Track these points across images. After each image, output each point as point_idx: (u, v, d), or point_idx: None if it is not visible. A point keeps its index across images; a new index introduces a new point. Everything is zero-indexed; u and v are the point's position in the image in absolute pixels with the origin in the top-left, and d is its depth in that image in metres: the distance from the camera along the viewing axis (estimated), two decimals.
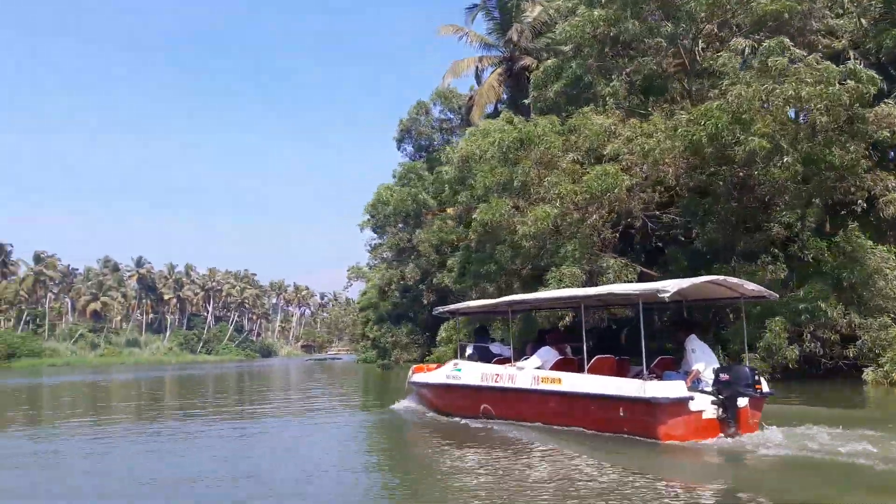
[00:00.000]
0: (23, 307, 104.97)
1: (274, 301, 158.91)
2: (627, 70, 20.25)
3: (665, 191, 18.61)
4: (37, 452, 11.01)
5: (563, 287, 16.53)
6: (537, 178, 18.78)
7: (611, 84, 19.80)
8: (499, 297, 16.12)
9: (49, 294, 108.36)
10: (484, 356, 13.06)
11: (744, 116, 16.19)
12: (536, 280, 19.35)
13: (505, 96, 31.95)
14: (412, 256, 32.09)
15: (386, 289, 32.47)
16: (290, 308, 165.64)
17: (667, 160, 17.35)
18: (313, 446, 10.97)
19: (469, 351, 13.67)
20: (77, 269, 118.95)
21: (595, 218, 17.87)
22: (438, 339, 27.61)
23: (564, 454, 8.82)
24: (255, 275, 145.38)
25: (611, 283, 16.52)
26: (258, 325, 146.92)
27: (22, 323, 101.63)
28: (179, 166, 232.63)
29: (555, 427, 10.42)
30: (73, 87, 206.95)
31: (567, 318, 17.47)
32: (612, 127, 18.66)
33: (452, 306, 14.73)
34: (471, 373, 12.39)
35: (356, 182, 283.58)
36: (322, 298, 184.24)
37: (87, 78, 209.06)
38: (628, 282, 17.26)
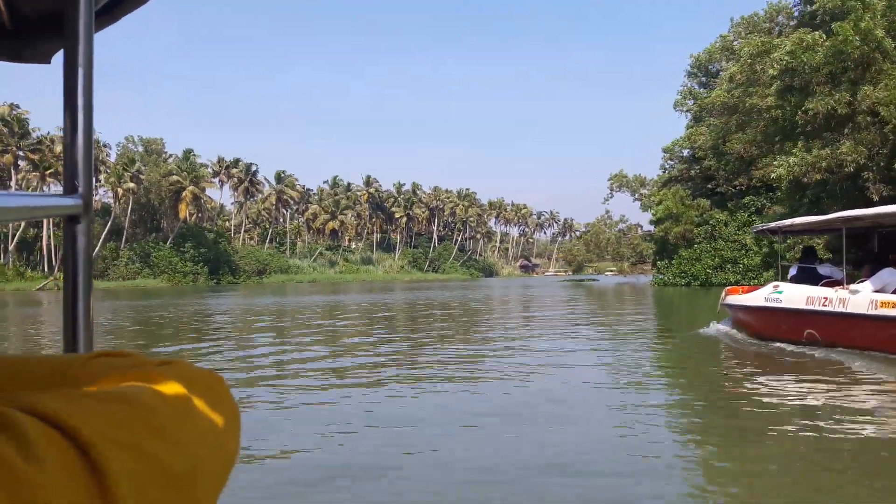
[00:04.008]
0: (266, 226, 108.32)
1: (493, 221, 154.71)
2: None
3: None
4: None
5: None
6: None
7: None
8: None
9: (286, 213, 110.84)
10: (809, 278, 12.09)
11: None
12: None
13: None
14: (847, 129, 21.31)
15: (805, 178, 22.16)
16: (508, 227, 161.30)
17: None
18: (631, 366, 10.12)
19: (792, 272, 12.77)
20: (311, 189, 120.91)
21: None
22: None
23: None
24: (475, 193, 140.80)
25: None
26: (480, 244, 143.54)
27: (267, 241, 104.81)
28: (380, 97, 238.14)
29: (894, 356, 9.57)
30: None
31: None
32: None
33: (773, 224, 14.19)
34: (794, 296, 11.73)
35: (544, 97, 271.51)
36: (539, 217, 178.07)
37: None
38: None
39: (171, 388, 0.42)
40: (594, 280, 76.22)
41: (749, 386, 8.64)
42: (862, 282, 10.82)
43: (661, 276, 43.95)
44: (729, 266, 39.67)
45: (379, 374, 9.74)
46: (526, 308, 26.78)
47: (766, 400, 7.60)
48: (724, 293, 14.63)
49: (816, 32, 21.00)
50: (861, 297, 10.30)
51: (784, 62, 20.96)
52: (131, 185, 77.97)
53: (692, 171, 43.08)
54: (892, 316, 9.71)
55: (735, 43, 42.73)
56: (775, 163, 22.53)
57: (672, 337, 14.93)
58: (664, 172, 48.58)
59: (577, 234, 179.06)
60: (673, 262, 41.88)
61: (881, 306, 9.89)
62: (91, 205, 0.62)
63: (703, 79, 44.96)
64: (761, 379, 9.03)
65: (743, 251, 39.41)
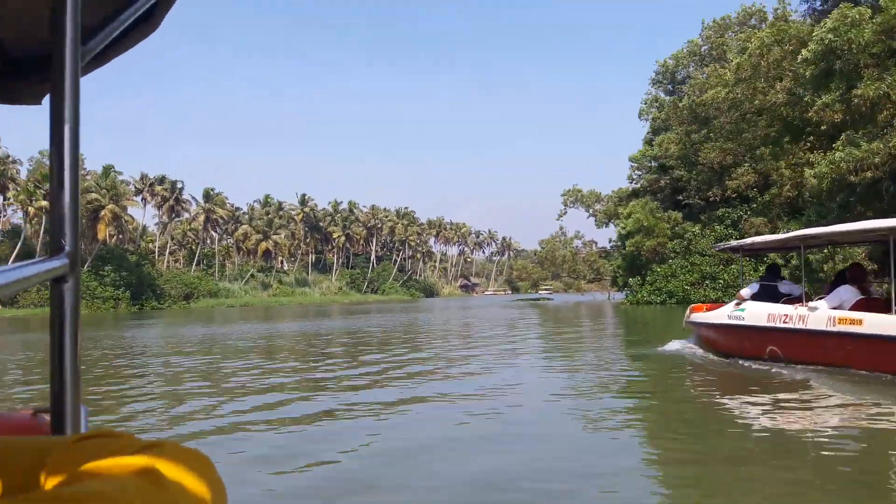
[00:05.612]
0: (193, 247, 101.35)
1: (432, 241, 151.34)
2: None
3: None
4: None
5: None
6: None
7: None
8: None
9: (214, 233, 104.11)
10: (770, 295, 12.24)
11: None
12: None
13: None
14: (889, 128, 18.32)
15: (852, 177, 19.13)
16: (448, 247, 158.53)
17: None
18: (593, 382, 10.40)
19: (754, 289, 12.78)
20: (240, 209, 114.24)
21: None
22: None
23: (862, 401, 8.12)
24: (413, 212, 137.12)
25: None
26: (419, 263, 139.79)
27: (194, 263, 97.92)
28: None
29: (854, 371, 9.73)
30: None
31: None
32: None
33: (735, 242, 14.64)
34: (755, 313, 11.89)
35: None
36: (478, 236, 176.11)
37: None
38: None
39: (156, 475, 0.40)
40: (549, 299, 73.21)
41: (711, 404, 8.66)
42: (821, 299, 10.97)
43: (632, 294, 40.92)
44: (708, 282, 36.99)
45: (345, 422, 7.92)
46: (501, 333, 23.07)
47: (727, 417, 7.67)
48: (688, 311, 14.84)
49: (862, 7, 18.34)
50: (820, 314, 10.44)
51: (827, 41, 18.03)
52: (44, 203, 70.66)
53: (662, 182, 40.38)
54: (851, 332, 9.82)
55: (703, 48, 40.66)
56: (811, 160, 19.69)
57: (636, 355, 14.69)
58: (631, 183, 45.90)
59: (515, 252, 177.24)
60: (646, 278, 38.88)
61: (839, 322, 10.05)
62: (78, 261, 0.59)
63: (670, 86, 42.70)
64: (724, 397, 9.05)
65: (722, 266, 36.83)
